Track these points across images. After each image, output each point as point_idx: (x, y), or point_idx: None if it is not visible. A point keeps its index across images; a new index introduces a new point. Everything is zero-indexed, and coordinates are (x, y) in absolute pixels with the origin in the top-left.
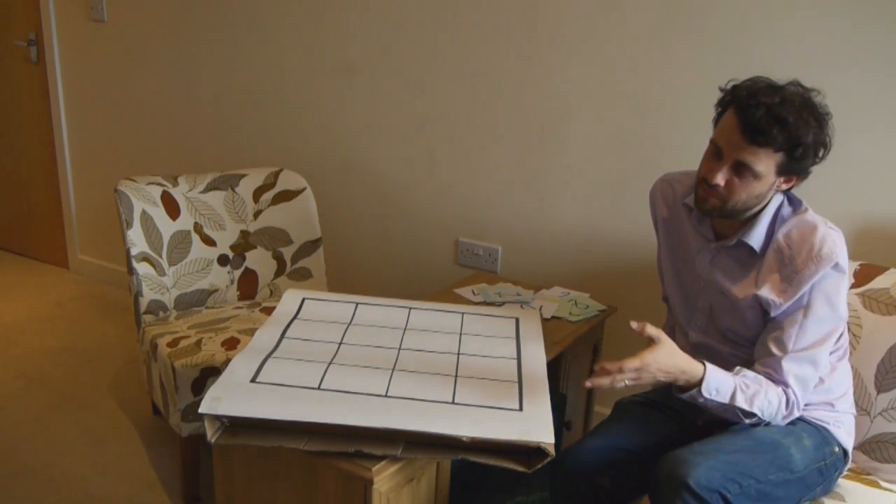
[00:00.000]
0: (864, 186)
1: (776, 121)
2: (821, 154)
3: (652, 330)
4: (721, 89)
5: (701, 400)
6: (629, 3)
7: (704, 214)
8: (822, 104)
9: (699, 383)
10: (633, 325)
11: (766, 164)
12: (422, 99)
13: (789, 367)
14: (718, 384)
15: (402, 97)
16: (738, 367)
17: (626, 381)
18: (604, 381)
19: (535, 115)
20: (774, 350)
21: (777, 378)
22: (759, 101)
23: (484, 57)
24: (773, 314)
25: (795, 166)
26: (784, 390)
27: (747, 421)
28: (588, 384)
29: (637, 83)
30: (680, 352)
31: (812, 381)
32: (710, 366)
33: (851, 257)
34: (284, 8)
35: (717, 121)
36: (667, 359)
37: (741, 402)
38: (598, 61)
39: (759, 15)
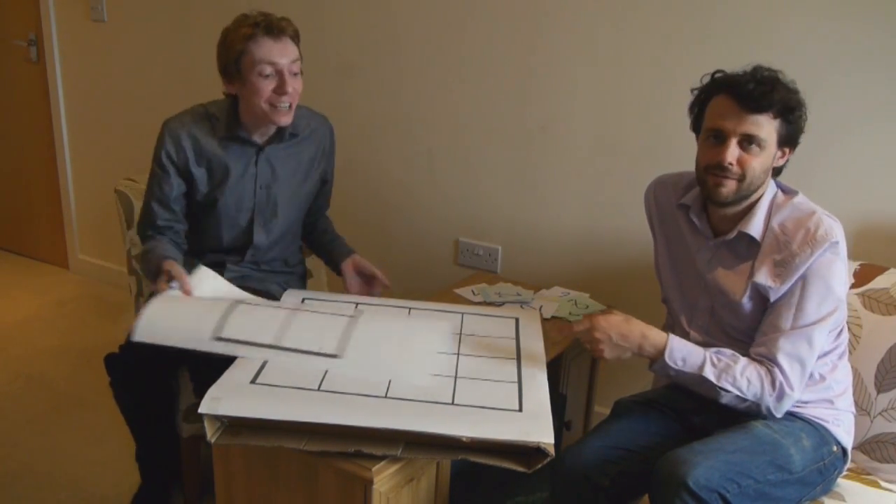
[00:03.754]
0: (864, 186)
1: (768, 83)
2: (804, 125)
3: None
4: (694, 90)
5: (672, 373)
6: (629, 5)
7: (720, 204)
8: (789, 80)
9: (663, 352)
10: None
11: (767, 131)
12: (421, 99)
13: (783, 344)
14: (685, 354)
15: (402, 97)
16: (717, 347)
17: (589, 346)
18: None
19: (535, 114)
20: (769, 331)
21: (767, 356)
22: (744, 77)
23: (484, 56)
24: (771, 299)
25: (791, 133)
26: (769, 370)
27: (725, 399)
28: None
29: (637, 84)
30: (639, 321)
31: (808, 361)
32: (675, 336)
33: (851, 257)
34: (284, 8)
35: (697, 119)
36: (622, 323)
37: (709, 375)
38: (599, 61)
39: (760, 17)
